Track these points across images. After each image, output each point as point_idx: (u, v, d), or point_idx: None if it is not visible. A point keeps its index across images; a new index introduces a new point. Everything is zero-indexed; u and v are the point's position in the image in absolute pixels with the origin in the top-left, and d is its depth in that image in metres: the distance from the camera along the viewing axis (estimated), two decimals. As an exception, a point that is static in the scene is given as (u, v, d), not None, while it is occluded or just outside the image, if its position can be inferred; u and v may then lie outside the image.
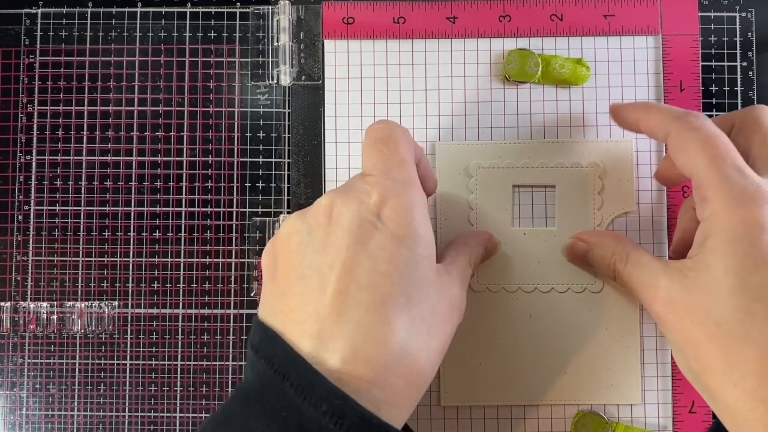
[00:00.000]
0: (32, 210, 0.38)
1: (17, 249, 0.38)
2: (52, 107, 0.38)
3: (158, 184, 0.38)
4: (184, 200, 0.38)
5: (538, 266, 0.36)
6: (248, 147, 0.38)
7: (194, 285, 0.38)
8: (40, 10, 0.39)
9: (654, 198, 0.37)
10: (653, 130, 0.31)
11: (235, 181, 0.38)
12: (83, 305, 0.38)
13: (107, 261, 0.38)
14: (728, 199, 0.27)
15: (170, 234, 0.38)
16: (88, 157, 0.38)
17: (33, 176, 0.38)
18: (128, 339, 0.38)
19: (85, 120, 0.38)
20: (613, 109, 0.34)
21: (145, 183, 0.38)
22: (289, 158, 0.38)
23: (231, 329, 0.37)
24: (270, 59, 0.38)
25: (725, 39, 0.38)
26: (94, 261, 0.38)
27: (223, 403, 0.29)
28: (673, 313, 0.28)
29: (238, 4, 0.39)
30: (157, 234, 0.38)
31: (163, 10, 0.39)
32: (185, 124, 0.38)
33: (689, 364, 0.28)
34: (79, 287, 0.38)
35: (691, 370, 0.29)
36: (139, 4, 0.39)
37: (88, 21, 0.39)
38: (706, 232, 0.28)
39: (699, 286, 0.27)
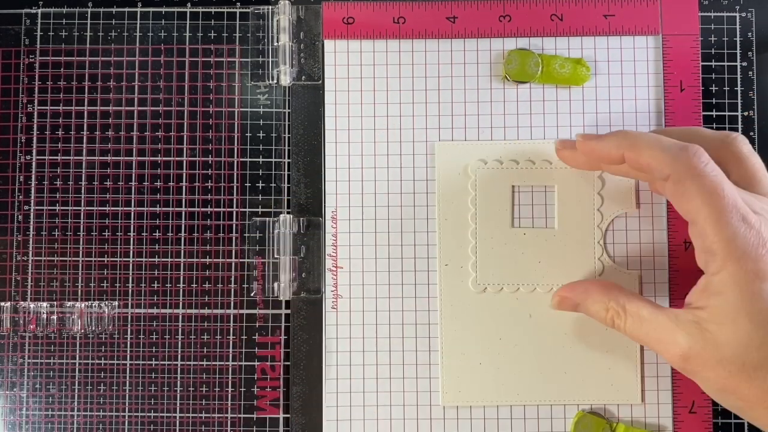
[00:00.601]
0: (32, 210, 0.38)
1: (17, 249, 0.38)
2: (52, 107, 0.38)
3: (158, 184, 0.38)
4: (184, 200, 0.38)
5: (538, 266, 0.36)
6: (248, 147, 0.38)
7: (194, 285, 0.38)
8: (40, 10, 0.39)
9: (654, 198, 0.37)
10: (645, 170, 0.30)
11: (235, 181, 0.38)
12: (83, 305, 0.38)
13: (107, 261, 0.38)
14: (738, 254, 0.27)
15: (170, 234, 0.38)
16: (88, 157, 0.38)
17: (33, 176, 0.38)
18: (128, 339, 0.38)
19: (85, 120, 0.38)
20: (574, 143, 0.32)
21: (145, 183, 0.38)
22: (289, 158, 0.38)
23: (231, 329, 0.37)
24: (270, 59, 0.38)
25: (725, 39, 0.38)
26: (94, 261, 0.38)
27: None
28: (701, 366, 0.28)
29: (238, 4, 0.39)
30: (157, 234, 0.38)
31: (163, 10, 0.39)
32: (185, 124, 0.38)
33: (732, 403, 0.29)
34: (79, 287, 0.38)
35: (736, 407, 0.29)
36: (139, 4, 0.39)
37: (88, 21, 0.39)
38: (719, 287, 0.28)
39: (725, 337, 0.27)
